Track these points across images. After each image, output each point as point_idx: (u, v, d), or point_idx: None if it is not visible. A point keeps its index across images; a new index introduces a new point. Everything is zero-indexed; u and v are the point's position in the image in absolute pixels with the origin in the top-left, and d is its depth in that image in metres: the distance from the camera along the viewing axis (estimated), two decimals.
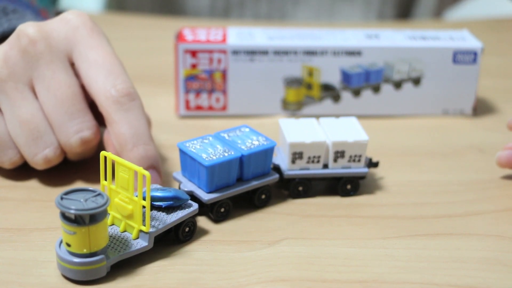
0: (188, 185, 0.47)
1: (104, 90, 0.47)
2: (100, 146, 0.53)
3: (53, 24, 0.49)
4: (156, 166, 0.48)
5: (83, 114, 0.48)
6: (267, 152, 0.48)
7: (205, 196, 0.46)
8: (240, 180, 0.48)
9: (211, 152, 0.46)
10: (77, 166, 0.53)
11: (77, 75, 0.50)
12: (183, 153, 0.47)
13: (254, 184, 0.47)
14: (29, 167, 0.52)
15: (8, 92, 0.48)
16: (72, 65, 0.49)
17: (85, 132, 0.48)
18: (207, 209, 0.47)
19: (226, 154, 0.46)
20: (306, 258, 0.43)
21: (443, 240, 0.45)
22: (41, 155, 0.48)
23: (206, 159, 0.45)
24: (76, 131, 0.48)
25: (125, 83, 0.48)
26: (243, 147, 0.47)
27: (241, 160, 0.47)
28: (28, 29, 0.48)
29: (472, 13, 1.14)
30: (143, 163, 0.47)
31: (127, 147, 0.47)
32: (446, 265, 0.43)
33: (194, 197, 0.46)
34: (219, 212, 0.47)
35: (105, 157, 0.42)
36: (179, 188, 0.48)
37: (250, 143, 0.48)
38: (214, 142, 0.48)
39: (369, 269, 0.42)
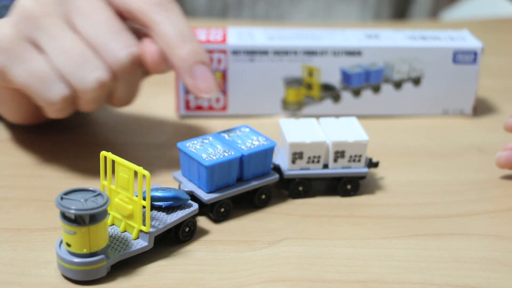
0: (188, 185, 0.47)
1: (141, 2, 0.48)
2: (99, 148, 0.53)
3: None
4: (206, 62, 0.48)
5: (125, 33, 0.48)
6: (267, 152, 0.48)
7: (205, 196, 0.46)
8: (240, 180, 0.48)
9: (211, 152, 0.46)
10: (77, 166, 0.53)
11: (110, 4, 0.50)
12: (183, 153, 0.47)
13: (254, 184, 0.47)
14: (32, 166, 0.52)
15: (46, 27, 0.47)
16: None
17: (131, 48, 0.48)
18: (207, 209, 0.47)
19: (226, 154, 0.46)
20: (306, 258, 0.43)
21: (443, 240, 0.45)
22: (92, 77, 0.47)
23: (206, 159, 0.45)
24: (122, 47, 0.47)
25: None
26: (243, 147, 0.47)
27: (241, 160, 0.47)
28: None
29: (471, 13, 1.14)
30: (193, 58, 0.48)
31: (174, 45, 0.48)
32: (446, 265, 0.43)
33: (194, 197, 0.46)
34: (219, 212, 0.47)
35: (105, 157, 0.42)
36: (179, 188, 0.48)
37: (250, 143, 0.48)
38: (214, 142, 0.48)
39: (369, 269, 0.42)
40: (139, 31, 0.51)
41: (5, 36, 0.47)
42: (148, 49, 0.48)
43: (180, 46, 0.48)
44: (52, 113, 0.50)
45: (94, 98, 0.48)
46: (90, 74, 0.47)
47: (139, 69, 0.49)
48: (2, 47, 0.47)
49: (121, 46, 0.47)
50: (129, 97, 0.51)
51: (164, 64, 0.49)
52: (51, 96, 0.47)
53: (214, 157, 0.46)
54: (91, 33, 0.47)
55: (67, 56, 0.47)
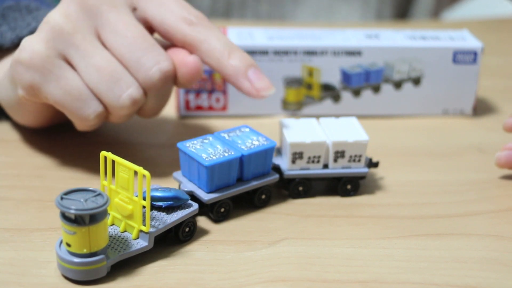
0: (188, 185, 0.47)
1: (182, 18, 0.49)
2: (100, 147, 0.53)
3: None
4: (255, 64, 0.50)
5: (156, 48, 0.48)
6: (267, 152, 0.48)
7: (205, 196, 0.46)
8: (240, 180, 0.48)
9: (211, 152, 0.46)
10: (77, 166, 0.53)
11: (139, 20, 0.50)
12: (183, 153, 0.47)
13: (254, 184, 0.47)
14: (32, 166, 0.52)
15: (77, 44, 0.47)
16: (134, 10, 0.50)
17: (163, 64, 0.48)
18: (207, 209, 0.47)
19: (226, 154, 0.46)
20: (306, 258, 0.43)
21: (443, 240, 0.45)
22: (125, 95, 0.47)
23: (206, 159, 0.45)
24: (154, 64, 0.47)
25: (193, 9, 0.50)
26: (243, 147, 0.47)
27: (241, 160, 0.47)
28: None
29: (471, 13, 1.14)
30: (245, 64, 0.49)
31: (224, 57, 0.49)
32: (446, 265, 0.43)
33: (194, 197, 0.46)
34: (219, 212, 0.47)
35: (105, 157, 0.42)
36: (179, 188, 0.48)
37: (250, 143, 0.48)
38: (214, 142, 0.48)
39: (369, 269, 0.42)
40: (165, 43, 0.51)
41: (38, 54, 0.47)
42: (184, 62, 0.49)
43: (230, 57, 0.49)
44: (83, 128, 0.50)
45: (127, 114, 0.49)
46: (123, 92, 0.47)
47: (170, 83, 0.50)
48: (36, 64, 0.47)
49: (152, 63, 0.48)
50: (159, 109, 0.52)
51: (200, 76, 0.50)
52: (86, 113, 0.48)
53: (214, 157, 0.46)
54: (122, 50, 0.48)
55: (99, 74, 0.47)
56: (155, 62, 0.48)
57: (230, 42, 0.50)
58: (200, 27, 0.49)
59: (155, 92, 0.49)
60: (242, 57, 0.49)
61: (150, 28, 0.51)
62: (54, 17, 0.48)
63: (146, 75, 0.47)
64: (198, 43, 0.49)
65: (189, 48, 0.50)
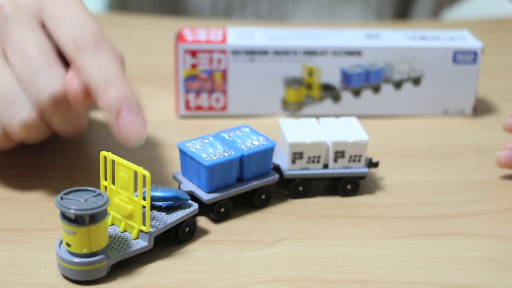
0: (188, 185, 0.47)
1: (70, 41, 0.46)
2: (100, 147, 0.53)
3: None
4: (133, 107, 0.44)
5: (52, 70, 0.45)
6: (267, 152, 0.48)
7: (205, 196, 0.46)
8: (240, 180, 0.48)
9: (211, 152, 0.46)
10: (77, 166, 0.53)
11: (49, 36, 0.48)
12: (183, 153, 0.47)
13: (254, 184, 0.47)
14: (32, 166, 0.52)
15: None
16: (43, 26, 0.48)
17: (54, 87, 0.45)
18: (207, 209, 0.47)
19: (226, 154, 0.46)
20: (306, 258, 0.43)
21: (443, 240, 0.45)
22: (16, 119, 0.46)
23: (206, 159, 0.45)
24: (45, 87, 0.45)
25: (90, 29, 0.46)
26: (243, 147, 0.47)
27: (241, 160, 0.47)
28: None
29: (471, 13, 1.14)
30: (117, 105, 0.44)
31: (98, 92, 0.44)
32: (446, 265, 0.43)
33: (194, 197, 0.46)
34: (219, 212, 0.47)
35: (105, 157, 0.42)
36: (179, 188, 0.48)
37: (250, 143, 0.48)
38: (214, 142, 0.48)
39: (369, 269, 0.42)
40: None
41: None
42: (71, 86, 0.46)
43: (104, 94, 0.44)
44: None
45: (26, 136, 0.47)
46: (15, 116, 0.46)
47: (69, 105, 0.46)
48: None
49: (46, 85, 0.45)
50: (71, 129, 0.49)
51: (91, 101, 0.46)
52: None
53: (214, 157, 0.46)
54: (19, 70, 0.46)
55: None
56: (47, 85, 0.45)
57: (114, 74, 0.45)
58: (83, 53, 0.45)
59: (52, 115, 0.46)
60: (117, 96, 0.44)
61: None
62: None
63: (38, 97, 0.45)
64: (79, 71, 0.45)
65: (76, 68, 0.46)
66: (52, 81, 0.45)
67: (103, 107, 0.44)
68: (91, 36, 0.46)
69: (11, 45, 0.47)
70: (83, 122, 0.49)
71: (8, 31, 0.47)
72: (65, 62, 0.47)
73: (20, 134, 0.47)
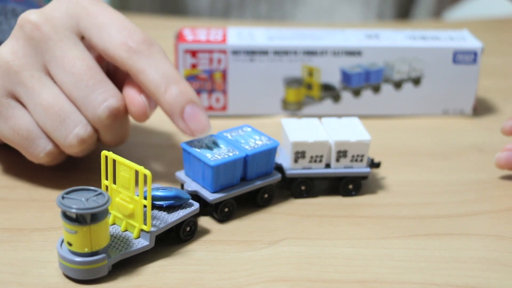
0: (192, 185, 0.47)
1: (121, 45, 0.46)
2: (99, 147, 0.53)
3: (53, 5, 0.48)
4: (195, 101, 0.47)
5: (104, 84, 0.47)
6: (271, 152, 0.48)
7: (210, 196, 0.46)
8: (244, 179, 0.48)
9: (215, 152, 0.46)
10: (77, 166, 0.53)
11: (89, 48, 0.49)
12: (187, 153, 0.47)
13: (258, 183, 0.47)
14: (32, 167, 0.52)
15: (25, 82, 0.47)
16: (82, 39, 0.48)
17: (110, 101, 0.46)
18: (211, 209, 0.47)
19: (230, 154, 0.46)
20: (306, 258, 0.43)
21: (443, 240, 0.45)
22: (72, 135, 0.47)
23: (211, 159, 0.45)
24: (101, 102, 0.46)
25: (139, 32, 0.47)
26: (246, 146, 0.47)
27: (245, 160, 0.47)
28: (29, 16, 0.47)
29: (472, 13, 1.14)
30: (180, 101, 0.46)
31: (159, 91, 0.46)
32: (446, 265, 0.43)
33: (197, 197, 0.46)
34: (223, 212, 0.47)
35: (106, 157, 0.42)
36: (182, 187, 0.48)
37: (254, 142, 0.48)
38: (217, 141, 0.48)
39: (369, 269, 0.42)
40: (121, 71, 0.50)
41: None
42: (133, 101, 0.47)
43: (166, 92, 0.46)
44: (38, 163, 0.49)
45: (80, 151, 0.48)
46: (70, 132, 0.47)
47: (122, 119, 0.48)
48: None
49: (100, 101, 0.46)
50: (118, 140, 0.50)
51: (150, 113, 0.48)
52: (35, 152, 0.48)
53: (219, 157, 0.46)
54: (70, 87, 0.46)
55: (47, 113, 0.46)
56: (103, 99, 0.46)
57: (171, 73, 0.47)
58: (138, 55, 0.46)
59: (106, 129, 0.48)
60: (180, 92, 0.46)
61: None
62: (1, 54, 0.47)
63: (95, 113, 0.46)
64: (135, 73, 0.47)
65: (131, 76, 0.48)
66: (107, 94, 0.47)
67: (165, 105, 0.46)
68: (141, 38, 0.47)
69: (55, 63, 0.47)
70: (128, 132, 0.51)
71: (49, 50, 0.47)
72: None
73: (74, 149, 0.47)
